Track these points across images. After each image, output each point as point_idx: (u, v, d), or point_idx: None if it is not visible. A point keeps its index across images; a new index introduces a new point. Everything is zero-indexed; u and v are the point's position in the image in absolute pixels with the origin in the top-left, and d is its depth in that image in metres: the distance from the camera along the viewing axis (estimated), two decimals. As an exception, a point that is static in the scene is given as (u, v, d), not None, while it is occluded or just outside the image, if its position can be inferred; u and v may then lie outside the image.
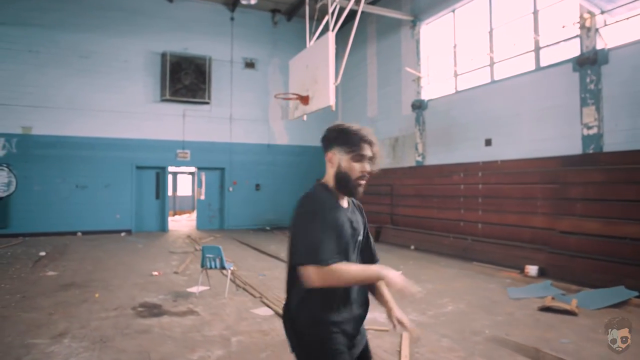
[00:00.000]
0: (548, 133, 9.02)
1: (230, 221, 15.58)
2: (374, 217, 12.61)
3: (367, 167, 1.80)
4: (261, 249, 10.73)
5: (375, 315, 5.22)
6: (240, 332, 4.61)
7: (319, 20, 10.00)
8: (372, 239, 2.07)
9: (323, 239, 1.67)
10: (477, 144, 10.57)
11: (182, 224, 17.77)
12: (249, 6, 14.56)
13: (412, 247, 10.58)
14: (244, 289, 6.57)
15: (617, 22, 7.96)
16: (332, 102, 7.53)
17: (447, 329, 4.76)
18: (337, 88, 16.79)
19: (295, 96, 8.22)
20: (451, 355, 4.01)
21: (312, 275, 1.63)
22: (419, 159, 12.48)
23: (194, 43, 14.86)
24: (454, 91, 11.62)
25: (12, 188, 12.76)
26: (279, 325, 4.88)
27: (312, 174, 16.72)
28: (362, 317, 1.91)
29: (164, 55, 14.33)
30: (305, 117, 8.83)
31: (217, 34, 15.33)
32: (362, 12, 9.70)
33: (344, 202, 1.89)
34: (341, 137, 1.80)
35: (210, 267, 6.11)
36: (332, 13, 9.04)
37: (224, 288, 6.36)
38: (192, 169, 20.28)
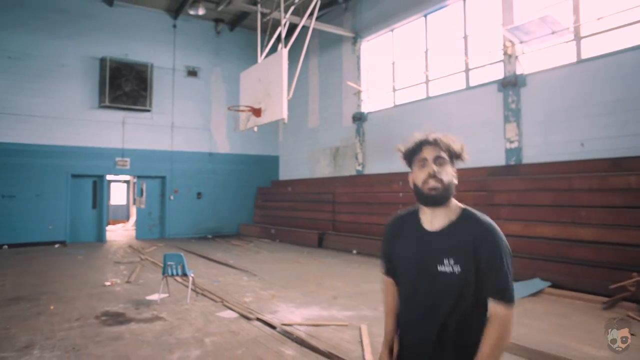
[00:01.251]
0: (477, 146, 10.06)
1: (172, 230, 15.41)
2: (316, 223, 13.17)
3: (433, 167, 1.66)
4: (209, 256, 10.85)
5: (333, 313, 5.72)
6: (211, 334, 4.88)
7: (264, 32, 10.36)
8: (496, 271, 1.59)
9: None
10: (414, 154, 11.46)
11: (118, 233, 17.22)
12: (195, 15, 14.61)
13: (354, 251, 11.22)
14: (203, 294, 6.78)
15: (532, 52, 9.17)
16: (285, 115, 7.96)
17: (398, 321, 5.35)
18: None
19: (248, 108, 8.55)
20: (406, 343, 4.59)
21: None
22: (359, 168, 13.23)
23: (135, 49, 14.62)
24: (392, 105, 12.52)
25: None
26: (246, 326, 5.22)
27: (253, 182, 17.05)
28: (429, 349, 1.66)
29: (103, 60, 13.96)
30: (256, 129, 9.18)
31: (159, 41, 15.19)
32: (306, 27, 10.26)
33: (435, 222, 1.70)
34: (405, 158, 1.77)
35: (172, 275, 6.28)
36: (281, 31, 9.48)
37: (184, 295, 6.55)
38: (127, 177, 19.71)
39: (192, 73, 15.91)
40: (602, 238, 6.89)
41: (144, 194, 15.36)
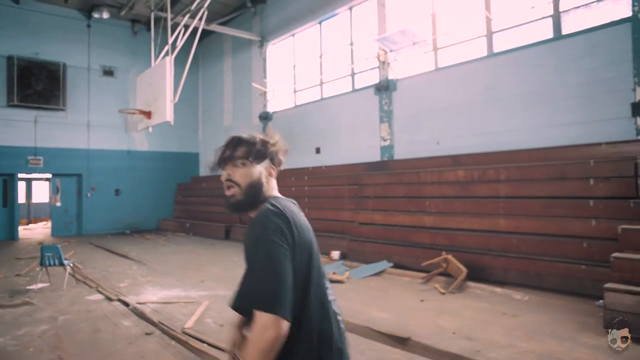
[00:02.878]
0: (359, 143, 11.21)
1: (89, 226, 15.69)
2: (226, 217, 13.94)
3: (223, 174, 1.62)
4: (113, 250, 11.39)
5: (190, 293, 6.58)
6: (68, 313, 5.60)
7: (171, 33, 10.94)
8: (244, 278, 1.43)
9: None
10: (310, 151, 12.50)
11: (36, 232, 17.22)
12: (107, 17, 14.92)
13: (256, 241, 12.13)
14: (84, 282, 7.43)
15: (401, 59, 10.35)
16: (169, 118, 8.68)
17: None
18: (197, 97, 17.85)
19: (137, 111, 9.19)
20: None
21: None
22: (267, 164, 14.11)
23: (47, 48, 14.70)
24: (293, 105, 13.47)
25: None
26: (105, 305, 5.98)
27: (174, 178, 17.58)
28: None
29: (10, 59, 13.99)
30: (150, 129, 9.83)
31: (73, 41, 15.32)
32: (217, 32, 10.95)
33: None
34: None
35: (50, 265, 6.90)
36: (177, 36, 10.12)
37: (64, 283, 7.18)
38: (49, 175, 19.61)
39: (109, 72, 16.17)
40: (438, 224, 8.12)
41: (59, 191, 15.54)
